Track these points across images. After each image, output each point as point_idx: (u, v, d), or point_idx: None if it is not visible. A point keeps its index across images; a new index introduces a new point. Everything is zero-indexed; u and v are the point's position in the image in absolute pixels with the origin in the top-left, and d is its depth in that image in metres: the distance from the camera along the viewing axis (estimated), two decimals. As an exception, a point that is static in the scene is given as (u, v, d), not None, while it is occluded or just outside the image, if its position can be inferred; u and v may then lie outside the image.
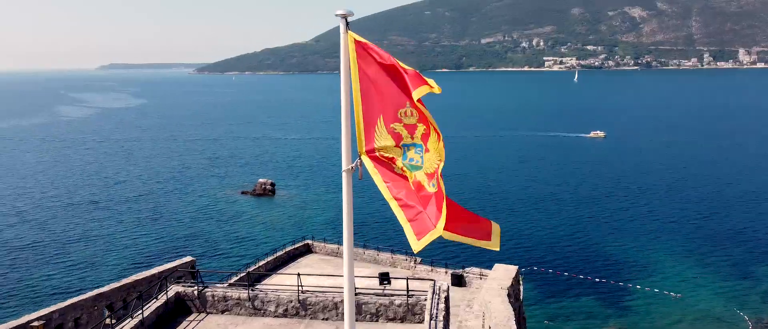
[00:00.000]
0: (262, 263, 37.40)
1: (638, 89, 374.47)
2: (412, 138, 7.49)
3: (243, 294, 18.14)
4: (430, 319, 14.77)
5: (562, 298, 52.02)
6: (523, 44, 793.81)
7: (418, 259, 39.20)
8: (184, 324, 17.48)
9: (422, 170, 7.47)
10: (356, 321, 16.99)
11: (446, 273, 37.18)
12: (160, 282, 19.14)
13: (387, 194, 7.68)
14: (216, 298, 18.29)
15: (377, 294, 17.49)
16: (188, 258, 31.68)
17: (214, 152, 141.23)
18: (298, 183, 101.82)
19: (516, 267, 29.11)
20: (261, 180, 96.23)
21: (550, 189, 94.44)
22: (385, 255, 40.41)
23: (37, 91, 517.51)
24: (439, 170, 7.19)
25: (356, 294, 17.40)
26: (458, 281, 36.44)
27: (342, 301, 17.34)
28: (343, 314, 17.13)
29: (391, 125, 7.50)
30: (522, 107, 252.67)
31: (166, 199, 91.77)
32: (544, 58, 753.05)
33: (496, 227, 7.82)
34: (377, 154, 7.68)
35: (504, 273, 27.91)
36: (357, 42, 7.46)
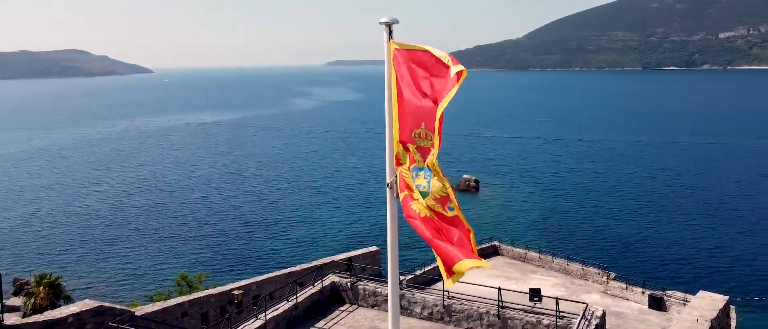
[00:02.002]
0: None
1: None
2: (424, 162, 7.00)
3: (391, 291, 18.41)
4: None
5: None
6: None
7: (612, 274, 35.99)
8: (336, 313, 18.39)
9: (430, 196, 6.94)
10: (501, 335, 16.36)
11: (643, 293, 33.52)
12: (317, 269, 20.44)
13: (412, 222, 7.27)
14: (367, 292, 18.91)
15: (526, 311, 16.45)
16: (373, 248, 33.38)
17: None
18: (503, 182, 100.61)
19: (725, 297, 25.02)
20: (465, 176, 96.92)
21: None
22: (576, 266, 37.86)
23: (275, 84, 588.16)
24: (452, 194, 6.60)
25: (503, 308, 16.63)
26: (657, 304, 32.65)
27: (487, 312, 16.68)
28: (486, 325, 16.49)
29: (408, 144, 7.05)
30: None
31: (376, 189, 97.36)
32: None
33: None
34: (401, 172, 7.29)
35: (708, 303, 24.20)
36: (398, 51, 6.97)
